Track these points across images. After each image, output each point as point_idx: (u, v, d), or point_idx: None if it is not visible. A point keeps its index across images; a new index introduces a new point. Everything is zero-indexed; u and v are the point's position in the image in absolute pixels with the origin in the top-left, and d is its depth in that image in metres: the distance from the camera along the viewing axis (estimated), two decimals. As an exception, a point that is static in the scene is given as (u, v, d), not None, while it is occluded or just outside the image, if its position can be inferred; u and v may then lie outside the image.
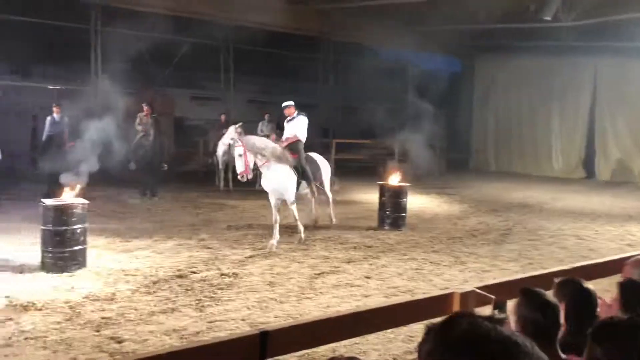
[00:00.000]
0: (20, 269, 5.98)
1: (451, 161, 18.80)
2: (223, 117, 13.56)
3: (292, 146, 7.67)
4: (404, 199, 9.02)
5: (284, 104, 8.02)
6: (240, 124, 12.54)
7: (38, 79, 15.40)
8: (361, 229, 8.77)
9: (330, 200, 8.72)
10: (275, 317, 4.88)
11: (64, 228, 6.02)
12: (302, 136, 7.80)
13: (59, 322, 4.54)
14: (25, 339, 4.21)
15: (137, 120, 11.02)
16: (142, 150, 10.77)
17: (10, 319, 4.55)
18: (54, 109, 10.99)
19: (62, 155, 8.94)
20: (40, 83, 15.17)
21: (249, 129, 13.46)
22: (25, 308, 4.80)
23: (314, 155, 8.38)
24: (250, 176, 7.30)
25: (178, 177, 13.33)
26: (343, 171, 16.24)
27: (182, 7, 14.98)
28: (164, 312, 4.87)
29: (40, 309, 4.79)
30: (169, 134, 13.99)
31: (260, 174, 8.11)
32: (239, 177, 7.25)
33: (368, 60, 17.23)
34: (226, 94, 17.01)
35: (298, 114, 7.88)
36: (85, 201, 6.35)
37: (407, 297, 5.02)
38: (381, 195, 9.01)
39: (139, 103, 11.37)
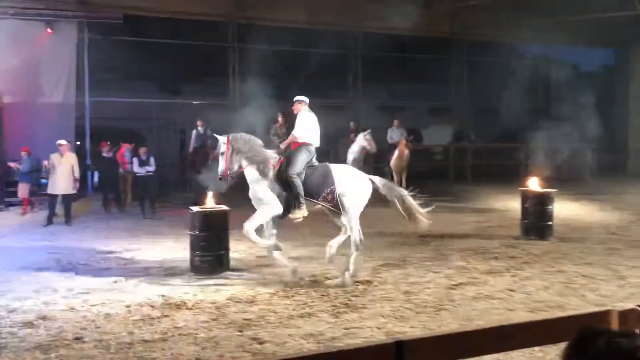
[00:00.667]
0: (173, 271, 6.63)
1: (605, 164, 17.06)
2: (352, 125, 13.79)
3: (291, 152, 6.35)
4: (550, 206, 8.38)
5: (295, 98, 6.77)
6: (369, 130, 12.75)
7: (184, 95, 17.02)
8: (502, 238, 8.32)
9: (351, 232, 6.21)
10: (412, 327, 4.81)
11: (208, 233, 6.54)
12: (300, 137, 6.38)
13: (206, 321, 4.93)
14: (179, 334, 4.63)
15: (272, 131, 11.64)
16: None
17: (166, 316, 5.05)
18: (198, 122, 12.07)
19: (207, 165, 9.74)
20: (185, 99, 16.75)
21: (378, 136, 13.60)
22: (178, 306, 5.30)
23: (333, 166, 6.53)
24: (230, 180, 6.40)
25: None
26: (481, 176, 15.64)
27: (312, 19, 15.59)
28: (301, 317, 5.05)
29: (190, 308, 5.25)
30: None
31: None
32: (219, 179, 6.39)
33: (504, 58, 16.40)
34: (354, 102, 17.29)
35: (304, 112, 6.52)
36: (227, 208, 6.84)
37: (557, 313, 4.63)
38: (524, 202, 8.47)
39: (273, 115, 12.02)
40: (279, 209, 6.16)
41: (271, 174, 6.17)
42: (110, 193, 11.68)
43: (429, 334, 2.72)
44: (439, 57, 18.48)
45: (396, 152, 12.81)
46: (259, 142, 6.48)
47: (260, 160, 6.21)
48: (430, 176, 15.28)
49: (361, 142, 12.11)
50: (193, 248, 6.56)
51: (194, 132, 12.03)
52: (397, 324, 4.88)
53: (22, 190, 11.18)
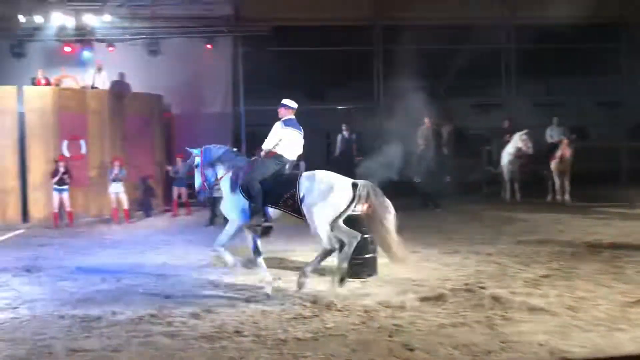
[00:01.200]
0: (323, 272, 6.85)
1: None
2: (507, 123, 13.08)
3: (260, 160, 6.22)
4: None
5: (282, 101, 6.53)
6: (525, 131, 11.98)
7: (329, 101, 17.57)
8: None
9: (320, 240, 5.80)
10: (581, 346, 4.39)
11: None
12: (267, 149, 6.21)
13: (356, 324, 5.01)
14: (329, 335, 4.76)
15: (419, 133, 11.51)
16: (424, 163, 11.21)
17: (316, 316, 5.24)
18: (344, 127, 12.37)
19: (353, 169, 9.94)
20: (331, 105, 17.29)
21: (536, 135, 12.72)
22: (327, 307, 5.46)
23: (306, 172, 6.17)
24: (207, 193, 6.36)
25: (461, 189, 13.37)
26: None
27: (460, 14, 15.11)
28: (453, 326, 4.89)
29: (340, 310, 5.38)
30: (449, 144, 14.20)
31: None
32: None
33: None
34: (508, 99, 16.36)
35: (286, 122, 6.31)
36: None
37: None
38: None
39: (420, 116, 11.87)
40: (244, 220, 6.04)
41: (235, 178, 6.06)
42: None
43: (602, 355, 2.43)
44: (605, 46, 16.71)
45: (558, 153, 11.85)
46: (232, 150, 6.49)
47: (235, 166, 6.14)
48: (599, 179, 13.87)
49: (517, 142, 11.44)
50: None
51: (340, 136, 12.37)
52: (561, 342, 4.48)
53: (176, 193, 12.46)
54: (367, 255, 6.61)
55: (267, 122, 18.23)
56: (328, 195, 5.78)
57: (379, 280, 6.46)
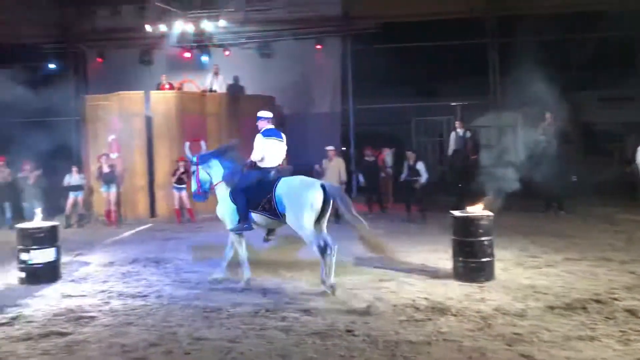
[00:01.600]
0: (436, 274, 6.74)
1: None
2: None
3: (246, 171, 6.65)
4: None
5: (258, 114, 6.93)
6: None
7: (441, 97, 17.18)
8: None
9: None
10: None
11: (471, 239, 6.44)
12: (255, 160, 6.63)
13: (471, 330, 4.86)
14: (443, 340, 4.66)
15: (540, 130, 10.88)
16: (546, 161, 10.56)
17: (429, 319, 5.15)
18: (457, 124, 12.01)
19: (468, 168, 9.63)
20: (443, 101, 16.89)
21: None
22: (441, 311, 5.35)
23: (285, 178, 6.44)
24: (202, 197, 6.90)
25: (589, 190, 12.42)
26: None
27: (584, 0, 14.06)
28: (580, 339, 4.57)
29: (455, 315, 5.25)
30: (575, 142, 13.25)
31: None
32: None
33: None
34: (644, 93, 14.95)
35: (266, 133, 6.69)
36: (491, 213, 6.63)
37: None
38: None
39: (540, 112, 11.21)
40: (231, 224, 6.59)
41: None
42: (372, 195, 12.53)
43: None
44: None
45: None
46: (226, 157, 6.85)
47: (228, 173, 6.66)
48: None
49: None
50: (456, 253, 6.55)
51: (453, 134, 12.04)
52: None
53: None
54: (483, 259, 6.39)
55: (376, 120, 18.42)
56: (305, 199, 6.15)
57: (497, 285, 6.20)
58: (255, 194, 6.42)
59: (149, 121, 12.73)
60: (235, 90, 14.66)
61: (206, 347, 4.62)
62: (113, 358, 4.44)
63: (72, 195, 12.05)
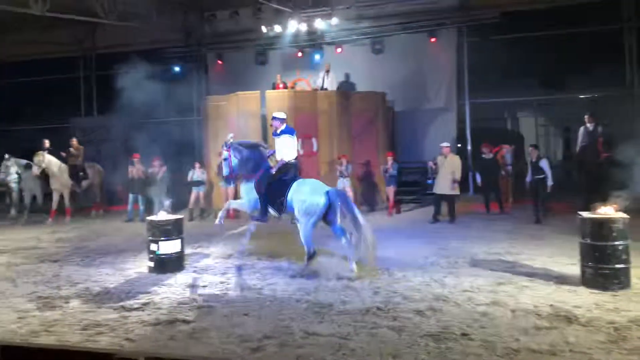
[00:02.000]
0: (560, 281, 6.32)
1: None
2: None
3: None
4: None
5: (273, 114, 7.77)
6: None
7: (568, 90, 16.03)
8: None
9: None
10: None
11: (603, 243, 5.95)
12: (282, 158, 7.54)
13: (603, 342, 4.49)
14: (570, 351, 4.36)
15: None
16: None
17: (554, 328, 4.84)
18: (587, 118, 11.14)
19: (598, 165, 8.92)
20: (570, 94, 15.75)
21: None
22: (568, 320, 5.00)
23: (301, 180, 7.39)
24: (232, 182, 8.19)
25: None
26: None
27: None
28: None
29: (583, 325, 4.88)
30: None
31: None
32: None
33: None
34: None
35: (282, 131, 7.57)
36: (626, 216, 6.08)
37: None
38: None
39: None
40: (248, 208, 7.65)
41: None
42: (490, 194, 12.03)
43: None
44: None
45: None
46: (255, 149, 7.69)
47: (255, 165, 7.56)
48: None
49: None
50: (584, 258, 6.08)
51: (582, 129, 11.17)
52: None
53: (390, 192, 12.60)
54: (617, 265, 5.87)
55: (494, 115, 17.63)
56: (310, 204, 7.00)
57: (633, 294, 5.67)
58: (274, 193, 7.33)
59: (264, 120, 13.27)
60: (346, 87, 14.81)
61: (318, 342, 4.72)
62: (231, 347, 4.68)
63: (194, 190, 12.92)
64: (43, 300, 6.21)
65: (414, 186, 14.54)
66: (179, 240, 7.58)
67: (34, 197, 13.49)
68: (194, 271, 7.48)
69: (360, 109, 13.78)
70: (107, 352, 2.24)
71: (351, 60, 15.79)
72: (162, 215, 7.76)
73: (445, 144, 11.47)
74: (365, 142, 13.52)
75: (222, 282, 6.83)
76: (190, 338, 4.92)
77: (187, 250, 8.17)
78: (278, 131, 7.64)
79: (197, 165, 13.13)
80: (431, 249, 8.46)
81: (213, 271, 7.46)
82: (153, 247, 7.47)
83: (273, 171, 7.47)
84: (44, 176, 12.66)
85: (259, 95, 13.57)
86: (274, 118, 7.72)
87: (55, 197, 12.88)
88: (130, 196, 13.00)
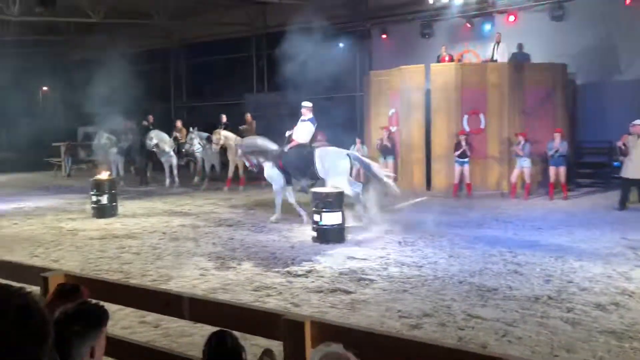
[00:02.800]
0: None
1: None
2: None
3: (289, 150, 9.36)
4: None
5: (302, 103, 9.47)
6: None
7: None
8: None
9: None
10: None
11: None
12: (297, 139, 9.34)
13: None
14: None
15: None
16: None
17: None
18: None
19: None
20: None
21: None
22: None
23: (321, 150, 9.15)
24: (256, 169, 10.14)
25: None
26: None
27: None
28: None
29: None
30: None
31: None
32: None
33: None
34: None
35: (309, 119, 9.36)
36: None
37: None
38: None
39: None
40: (279, 185, 9.45)
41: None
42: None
43: None
44: None
45: None
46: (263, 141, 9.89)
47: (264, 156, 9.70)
48: None
49: None
50: None
51: None
52: None
53: (553, 174, 11.39)
54: None
55: None
56: (339, 165, 8.82)
57: None
58: (298, 166, 9.08)
59: (428, 94, 13.00)
60: (519, 58, 13.83)
61: (480, 326, 4.57)
62: (390, 322, 4.74)
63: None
64: (220, 260, 6.88)
65: (594, 168, 13.20)
66: (340, 213, 7.83)
67: (212, 167, 14.96)
68: (355, 244, 7.68)
69: (535, 82, 12.79)
70: (276, 313, 2.39)
71: (525, 29, 14.66)
72: (323, 188, 8.06)
73: (637, 122, 10.16)
74: (540, 118, 12.55)
75: (381, 257, 6.92)
76: (350, 308, 5.09)
77: (348, 223, 8.41)
78: (306, 118, 9.32)
79: (358, 141, 13.37)
80: (614, 239, 7.64)
81: (373, 245, 7.59)
82: (316, 217, 7.82)
83: (286, 149, 9.27)
84: (222, 149, 13.95)
85: (424, 69, 13.29)
86: (302, 106, 9.39)
87: (231, 167, 14.12)
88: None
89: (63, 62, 23.92)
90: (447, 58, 14.17)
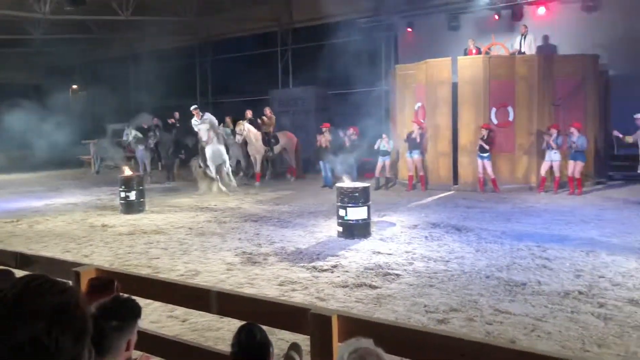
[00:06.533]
0: None
1: None
2: None
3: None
4: None
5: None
6: None
7: None
8: None
9: None
10: None
11: None
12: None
13: None
14: None
15: None
16: None
17: None
18: None
19: None
20: None
21: None
22: None
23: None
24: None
25: None
26: None
27: None
28: None
29: None
30: None
31: None
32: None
33: None
34: None
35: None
36: None
37: None
38: None
39: None
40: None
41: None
42: None
43: None
44: None
45: None
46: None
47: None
48: None
49: None
50: None
51: None
52: None
53: (576, 168, 11.16)
54: None
55: None
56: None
57: None
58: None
59: (455, 88, 12.84)
60: (546, 50, 13.55)
61: (508, 321, 4.52)
62: (416, 316, 4.72)
63: (380, 160, 13.13)
64: (247, 255, 6.94)
65: (627, 161, 12.89)
66: (365, 208, 7.81)
67: (238, 162, 15.07)
68: (381, 239, 7.66)
69: (565, 74, 12.52)
70: (304, 307, 2.40)
71: (556, 20, 14.37)
72: (350, 183, 8.05)
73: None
74: (571, 111, 12.29)
75: (407, 252, 6.89)
76: (376, 303, 5.08)
77: (373, 219, 8.40)
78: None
79: (384, 135, 13.30)
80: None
81: (399, 240, 7.56)
82: (341, 212, 7.82)
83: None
84: (244, 143, 14.07)
85: (450, 62, 13.13)
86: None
87: (259, 162, 14.27)
88: (320, 163, 13.76)
89: (92, 60, 24.38)
90: (474, 51, 13.98)
